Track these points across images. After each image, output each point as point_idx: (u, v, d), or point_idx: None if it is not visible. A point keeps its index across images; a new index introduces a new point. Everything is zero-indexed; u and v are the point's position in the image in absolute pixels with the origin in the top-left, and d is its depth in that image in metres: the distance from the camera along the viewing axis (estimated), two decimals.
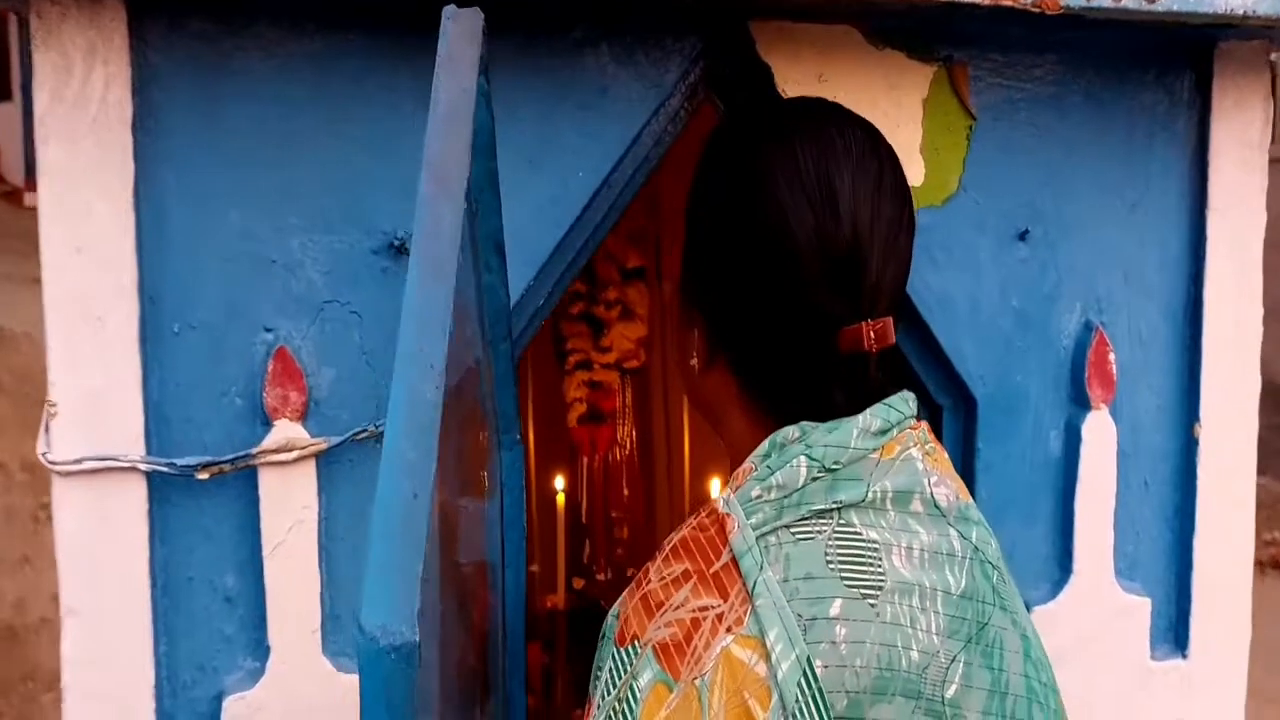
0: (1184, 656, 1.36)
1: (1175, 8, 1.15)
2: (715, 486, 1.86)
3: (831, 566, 0.80)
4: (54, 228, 1.03)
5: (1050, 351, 1.31)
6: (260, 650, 1.11)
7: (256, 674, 1.11)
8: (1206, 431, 1.35)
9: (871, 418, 0.84)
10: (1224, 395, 1.35)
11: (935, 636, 0.81)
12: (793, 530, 0.82)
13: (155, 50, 1.05)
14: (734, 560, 0.80)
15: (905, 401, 0.88)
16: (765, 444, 0.85)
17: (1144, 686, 1.35)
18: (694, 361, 0.95)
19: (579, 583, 1.92)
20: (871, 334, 0.84)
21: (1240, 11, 1.17)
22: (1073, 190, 1.30)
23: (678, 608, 0.79)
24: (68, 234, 1.03)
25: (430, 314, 0.71)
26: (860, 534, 0.82)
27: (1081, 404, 1.31)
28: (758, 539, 0.81)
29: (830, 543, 0.81)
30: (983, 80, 1.26)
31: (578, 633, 1.84)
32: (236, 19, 1.06)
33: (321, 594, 1.12)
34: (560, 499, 1.82)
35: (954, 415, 1.31)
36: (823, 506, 0.82)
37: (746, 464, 0.86)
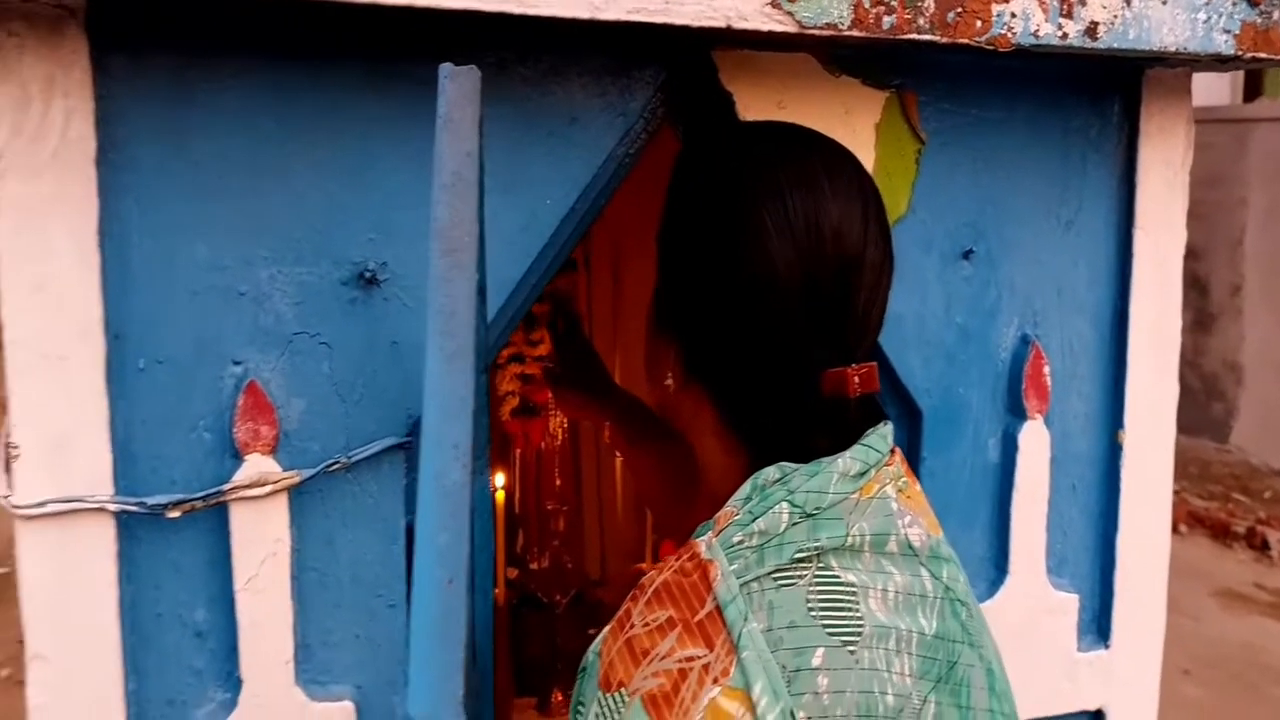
0: (1106, 647, 1.45)
1: (1115, 45, 1.20)
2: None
3: (813, 614, 0.82)
4: (14, 265, 1.00)
5: (990, 365, 1.37)
6: (231, 682, 1.11)
7: (228, 706, 1.11)
8: (1130, 437, 1.43)
9: (851, 461, 0.86)
10: (1145, 403, 1.43)
11: (908, 679, 0.83)
12: (774, 577, 0.83)
13: (118, 82, 1.02)
14: (718, 609, 0.81)
15: (883, 439, 0.89)
16: (746, 487, 0.86)
17: (1071, 676, 1.44)
18: (668, 382, 0.95)
19: (513, 573, 1.94)
20: (856, 379, 0.86)
21: (1173, 48, 1.23)
22: (1012, 210, 1.36)
23: (664, 657, 0.80)
24: (28, 272, 1.00)
25: (453, 395, 0.72)
26: (839, 577, 0.84)
27: (1018, 414, 1.38)
28: (741, 586, 0.82)
29: (811, 589, 0.83)
30: (931, 106, 1.30)
31: (514, 623, 1.86)
32: (201, 49, 1.03)
33: (294, 624, 1.12)
34: (501, 495, 1.84)
35: (900, 425, 1.36)
36: (804, 552, 0.83)
37: (728, 508, 0.86)
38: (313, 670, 1.13)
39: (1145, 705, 1.48)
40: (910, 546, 0.88)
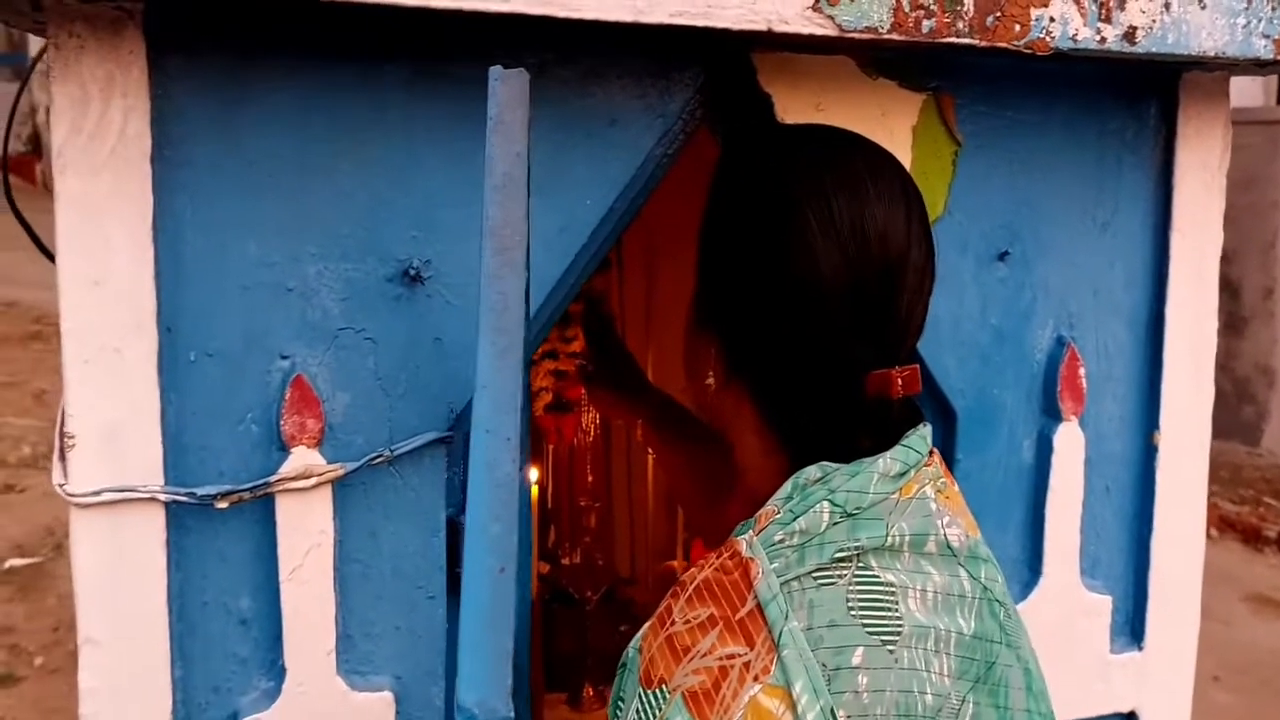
0: (1140, 649, 1.46)
1: (1154, 49, 1.21)
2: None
3: (853, 613, 0.82)
4: (72, 259, 1.03)
5: (1025, 366, 1.38)
6: (275, 671, 1.13)
7: (272, 694, 1.13)
8: (1165, 439, 1.43)
9: (891, 461, 0.87)
10: (1181, 405, 1.43)
11: (947, 679, 0.84)
12: (815, 576, 0.83)
13: (174, 82, 1.04)
14: (759, 607, 0.81)
15: (923, 439, 0.90)
16: (788, 485, 0.87)
17: (1103, 678, 1.44)
18: (709, 381, 0.96)
19: (544, 568, 1.96)
20: (900, 381, 0.87)
21: (1212, 53, 1.23)
22: (1048, 212, 1.36)
23: (704, 654, 0.81)
24: (86, 266, 1.03)
25: (504, 389, 0.74)
26: (879, 577, 0.84)
27: (1053, 416, 1.38)
28: (781, 585, 0.82)
29: (851, 588, 0.83)
30: (968, 108, 1.31)
31: (545, 619, 1.88)
32: (254, 51, 1.06)
33: (336, 615, 1.14)
34: (535, 490, 1.85)
35: (935, 426, 1.36)
36: (844, 552, 0.84)
37: (769, 506, 0.87)
38: (354, 660, 1.15)
39: (1179, 708, 1.48)
40: (949, 547, 0.88)
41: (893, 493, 0.86)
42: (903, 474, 0.87)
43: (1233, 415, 7.02)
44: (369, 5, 0.98)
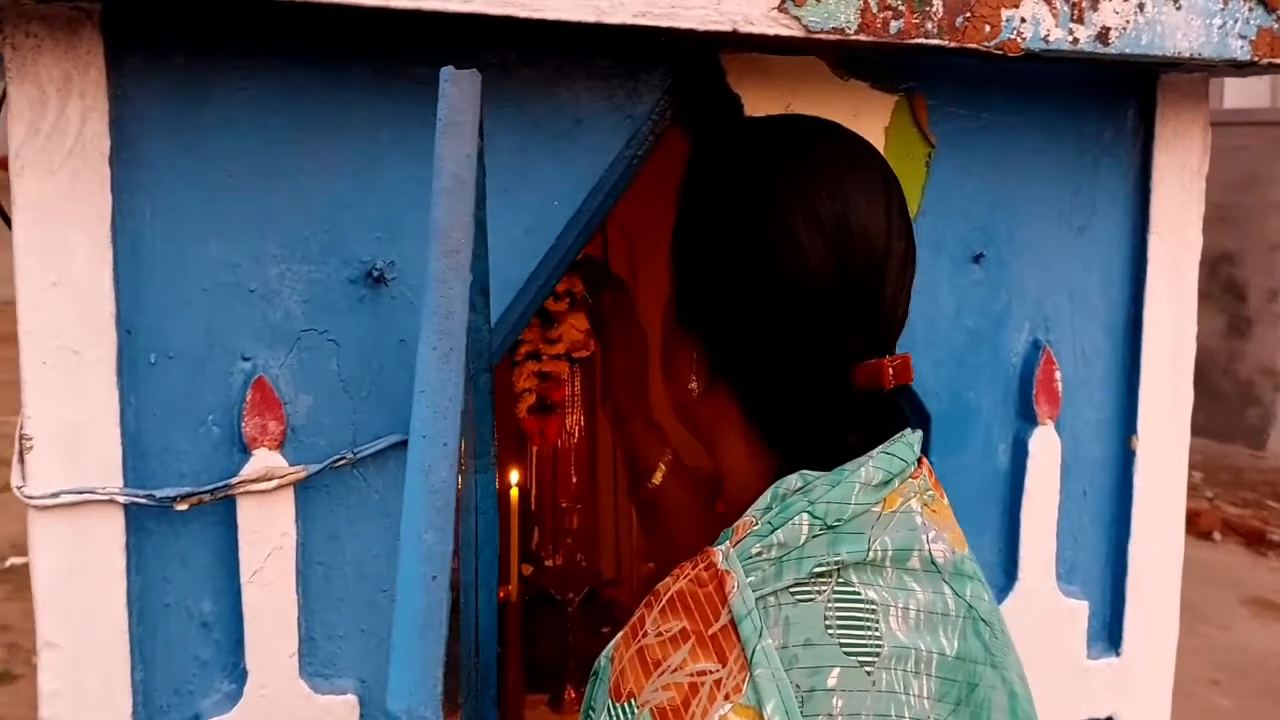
0: (1117, 654, 1.45)
1: (1127, 50, 1.20)
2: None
3: (830, 632, 0.80)
4: (30, 261, 1.02)
5: (1000, 369, 1.37)
6: (237, 674, 1.13)
7: (234, 697, 1.12)
8: (1142, 443, 1.42)
9: (874, 470, 0.84)
10: (1159, 409, 1.42)
11: (926, 701, 0.81)
12: (792, 591, 0.81)
13: (132, 82, 1.03)
14: (733, 623, 0.79)
15: (909, 447, 0.87)
16: (767, 496, 0.85)
17: (1081, 684, 1.43)
18: (692, 385, 0.93)
19: (527, 569, 1.95)
20: (891, 370, 0.84)
21: (1188, 54, 1.22)
22: (1024, 214, 1.35)
23: (675, 670, 0.79)
24: (44, 267, 1.02)
25: (444, 394, 0.73)
26: (859, 594, 0.82)
27: (1028, 419, 1.37)
28: (757, 600, 0.80)
29: (830, 605, 0.81)
30: (941, 110, 1.30)
31: (527, 620, 1.88)
32: (214, 51, 1.05)
33: (299, 618, 1.13)
34: (514, 493, 1.85)
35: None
36: (824, 566, 0.81)
37: (747, 517, 0.85)
38: (317, 663, 1.15)
39: (1158, 714, 1.47)
40: (933, 563, 0.86)
41: (875, 504, 0.84)
42: (886, 483, 0.84)
43: (1236, 418, 7.00)
44: (328, 5, 0.97)
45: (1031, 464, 1.37)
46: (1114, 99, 1.38)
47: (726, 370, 0.91)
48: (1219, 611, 5.06)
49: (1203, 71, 1.35)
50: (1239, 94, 8.13)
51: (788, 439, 0.88)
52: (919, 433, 0.89)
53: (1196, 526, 6.07)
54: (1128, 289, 1.41)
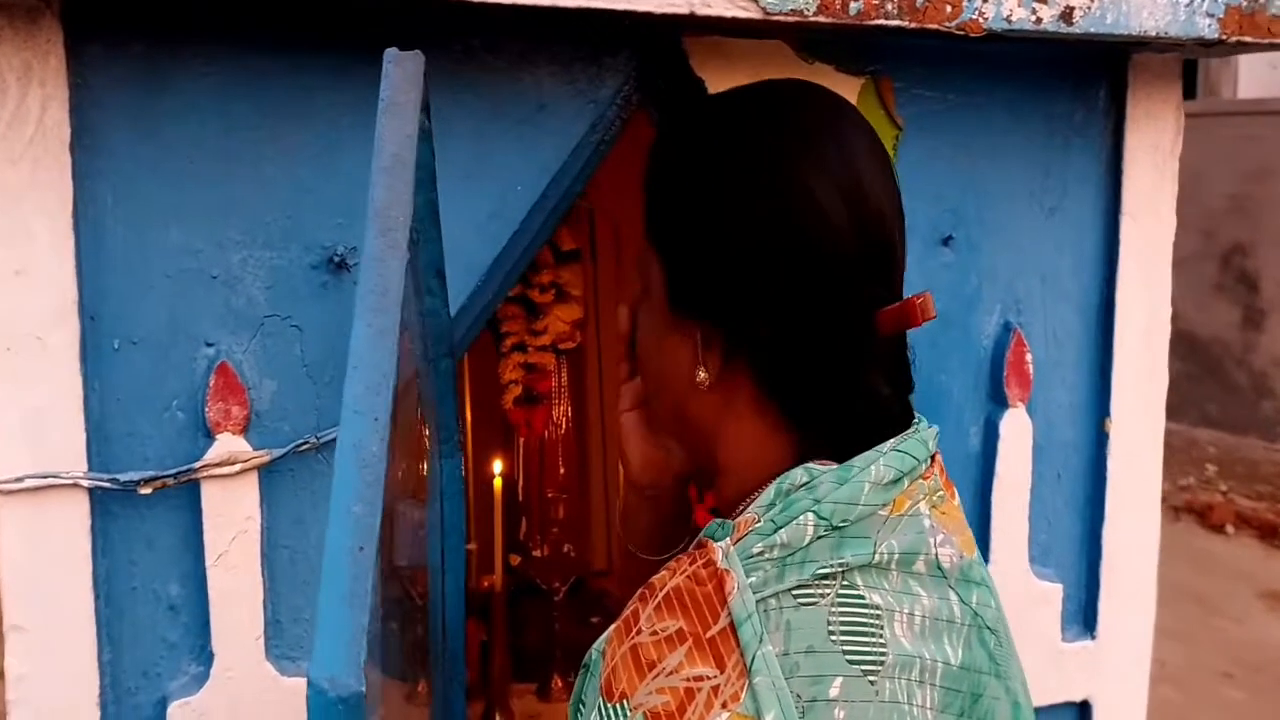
0: (1093, 638, 1.44)
1: (1092, 29, 1.19)
2: None
3: (834, 639, 0.77)
4: None
5: (971, 352, 1.37)
6: (204, 656, 1.14)
7: (201, 679, 1.14)
8: (1116, 426, 1.41)
9: (885, 469, 0.81)
10: (1134, 392, 1.42)
11: (930, 712, 0.78)
12: (795, 594, 0.78)
13: (92, 70, 1.05)
14: (732, 626, 0.76)
15: (923, 444, 0.84)
16: (770, 491, 0.81)
17: (1055, 667, 1.43)
18: (701, 377, 0.87)
19: (515, 559, 1.96)
20: (918, 308, 0.82)
21: (1153, 32, 1.22)
22: (994, 196, 1.35)
23: (671, 673, 0.75)
24: (7, 255, 1.04)
25: (376, 370, 0.74)
26: (864, 598, 0.79)
27: (1000, 402, 1.37)
28: (758, 603, 0.77)
29: (833, 609, 0.78)
30: (908, 92, 1.30)
31: (513, 609, 1.89)
32: (174, 39, 1.06)
33: (264, 601, 1.14)
34: (498, 482, 1.86)
35: None
36: (828, 569, 0.78)
37: (749, 514, 0.81)
38: (283, 646, 1.16)
39: (1134, 697, 1.47)
40: (939, 567, 0.82)
41: (883, 506, 0.80)
42: (896, 482, 0.81)
43: (1251, 411, 6.94)
44: None
45: (1003, 446, 1.36)
46: (1084, 80, 1.38)
47: (742, 345, 0.85)
48: (1233, 605, 5.02)
49: (1173, 51, 1.34)
50: (1253, 84, 8.07)
51: (815, 405, 0.84)
52: (935, 428, 0.87)
53: (1209, 520, 6.02)
54: (1100, 270, 1.41)
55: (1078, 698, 1.45)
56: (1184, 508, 6.15)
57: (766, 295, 0.82)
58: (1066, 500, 1.43)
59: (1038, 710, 1.41)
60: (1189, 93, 8.55)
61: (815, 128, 0.83)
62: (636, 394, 1.01)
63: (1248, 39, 1.26)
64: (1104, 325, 1.41)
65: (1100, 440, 1.43)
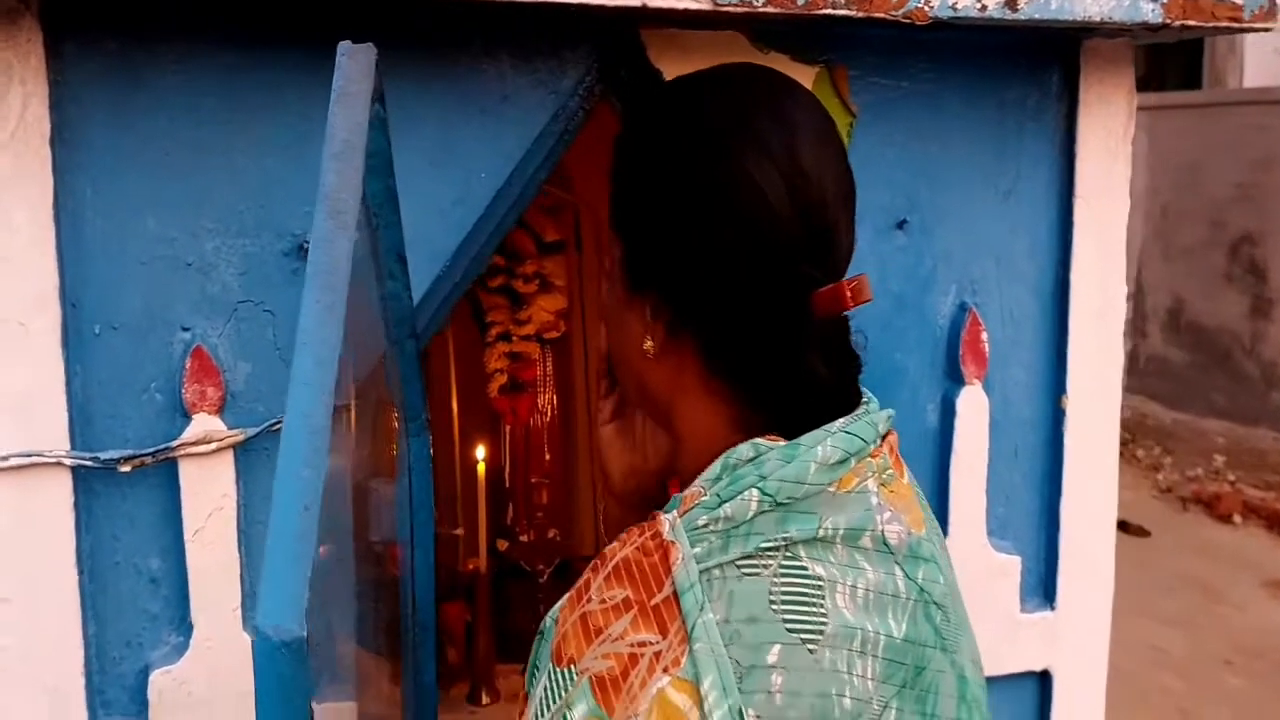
0: (1052, 609, 1.48)
1: (1037, 15, 1.23)
2: None
3: (775, 608, 0.79)
4: None
5: (927, 331, 1.41)
6: (184, 627, 1.19)
7: (181, 649, 1.19)
8: (1073, 403, 1.45)
9: (831, 449, 0.83)
10: (1089, 369, 1.46)
11: (870, 683, 0.80)
12: (739, 565, 0.80)
13: (70, 67, 1.10)
14: (675, 595, 0.78)
15: (872, 426, 0.86)
16: (717, 465, 0.84)
17: (1013, 638, 1.47)
18: (648, 345, 0.91)
19: (503, 544, 2.01)
20: (849, 292, 0.84)
21: (1098, 18, 1.25)
22: (948, 181, 1.39)
23: (616, 639, 0.78)
24: None
25: (324, 344, 0.78)
26: (806, 569, 0.80)
27: (956, 379, 1.41)
28: (701, 573, 0.79)
29: (775, 580, 0.80)
30: (862, 80, 1.34)
31: (499, 591, 1.93)
32: (148, 36, 1.11)
33: (241, 574, 1.20)
34: (481, 468, 1.90)
35: None
36: (771, 542, 0.80)
37: (696, 487, 0.84)
38: None
39: (1094, 666, 1.50)
40: (886, 543, 0.84)
41: (829, 484, 0.82)
42: (842, 462, 0.83)
43: (1260, 401, 6.93)
44: None
45: (959, 423, 1.40)
46: (1037, 66, 1.41)
47: (687, 318, 0.89)
48: (1237, 593, 5.03)
49: (1121, 36, 1.38)
50: (1260, 72, 8.06)
51: (753, 377, 0.87)
52: (888, 411, 0.89)
53: (1217, 510, 6.03)
54: (1055, 252, 1.44)
55: (1038, 667, 1.49)
56: (1192, 498, 6.16)
57: (705, 270, 0.86)
58: (1024, 475, 1.47)
59: (998, 680, 1.46)
60: (1193, 82, 8.56)
61: (758, 110, 0.86)
62: (615, 407, 1.06)
63: (1192, 22, 1.29)
64: (1059, 305, 1.45)
65: (1057, 416, 1.46)
